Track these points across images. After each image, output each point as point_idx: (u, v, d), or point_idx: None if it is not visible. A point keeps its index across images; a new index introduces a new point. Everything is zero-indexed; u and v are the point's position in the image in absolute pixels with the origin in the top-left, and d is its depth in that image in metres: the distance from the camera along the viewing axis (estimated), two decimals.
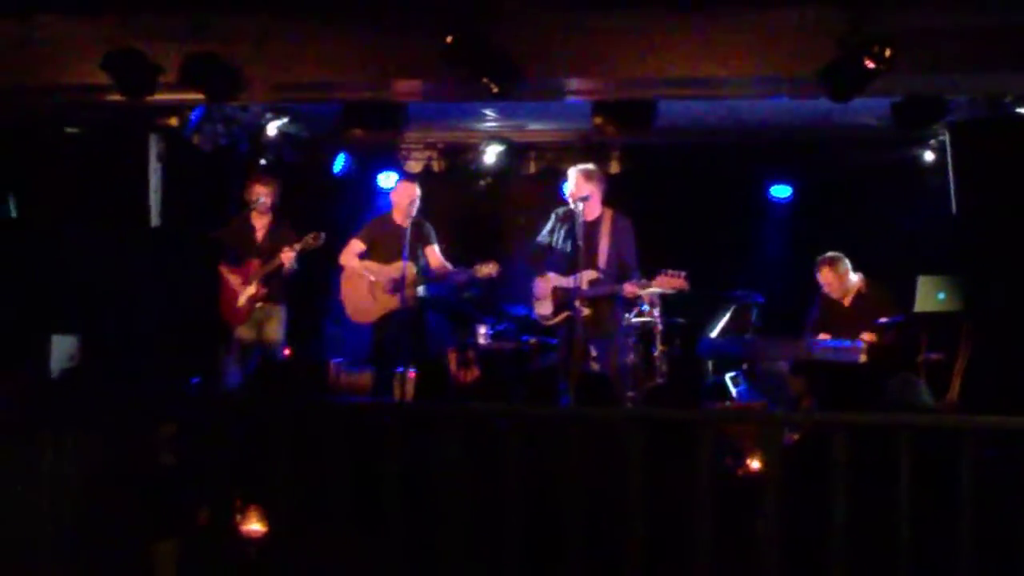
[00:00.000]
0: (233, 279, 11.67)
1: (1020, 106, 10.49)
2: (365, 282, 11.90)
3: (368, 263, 11.89)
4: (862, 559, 4.94)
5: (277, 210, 11.84)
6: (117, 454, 5.12)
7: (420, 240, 11.81)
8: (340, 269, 12.15)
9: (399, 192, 12.04)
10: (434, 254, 11.85)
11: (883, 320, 11.21)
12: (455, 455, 5.30)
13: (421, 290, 11.75)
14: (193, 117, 11.76)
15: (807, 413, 9.28)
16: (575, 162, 11.87)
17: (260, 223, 11.81)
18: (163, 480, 5.47)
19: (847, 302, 11.77)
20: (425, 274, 11.72)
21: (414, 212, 11.75)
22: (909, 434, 4.92)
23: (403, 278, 11.40)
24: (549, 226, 11.39)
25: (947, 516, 4.95)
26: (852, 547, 4.92)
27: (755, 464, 6.26)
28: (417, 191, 11.85)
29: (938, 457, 5.08)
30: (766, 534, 4.95)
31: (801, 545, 5.16)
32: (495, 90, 9.46)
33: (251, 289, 11.58)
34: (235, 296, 11.63)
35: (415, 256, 11.70)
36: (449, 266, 11.83)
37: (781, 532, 5.01)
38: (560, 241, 11.22)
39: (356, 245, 12.01)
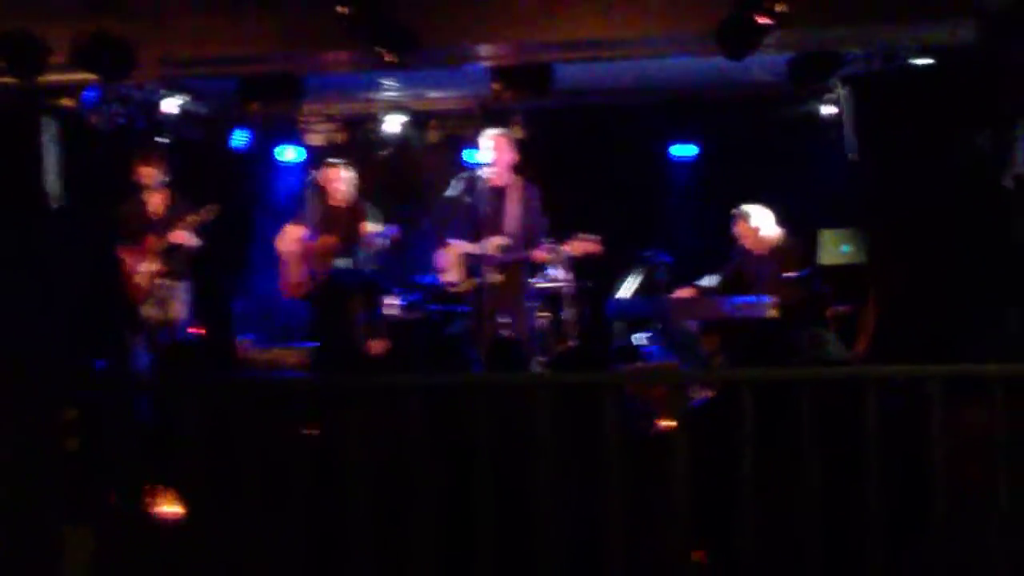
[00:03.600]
0: (132, 258, 11.60)
1: (914, 58, 10.54)
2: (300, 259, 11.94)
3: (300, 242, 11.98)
4: (770, 514, 4.96)
5: (171, 186, 11.76)
6: (20, 440, 5.05)
7: (354, 218, 12.00)
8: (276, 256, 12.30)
9: (327, 178, 12.16)
10: (366, 227, 11.88)
11: (789, 274, 11.26)
12: (362, 428, 5.26)
13: (340, 263, 11.79)
14: (89, 97, 11.63)
15: (710, 371, 9.34)
16: (478, 129, 11.86)
17: (155, 200, 11.77)
18: (69, 466, 5.40)
19: (761, 254, 11.77)
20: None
21: (348, 194, 12.17)
22: (812, 387, 4.95)
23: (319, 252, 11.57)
24: (452, 191, 11.36)
25: (854, 468, 4.97)
26: (760, 503, 4.94)
27: (666, 424, 6.27)
28: (345, 173, 12.18)
29: (845, 409, 5.10)
30: (676, 494, 4.95)
31: (713, 503, 5.18)
32: (391, 59, 9.42)
33: (150, 265, 11.51)
34: (135, 274, 11.56)
35: (347, 232, 11.81)
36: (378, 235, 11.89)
37: (692, 491, 5.01)
38: (465, 207, 11.20)
39: (293, 231, 12.00)
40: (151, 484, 5.78)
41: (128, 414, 5.45)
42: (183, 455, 5.41)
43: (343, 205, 12.03)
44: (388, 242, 11.90)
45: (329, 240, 11.80)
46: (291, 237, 12.04)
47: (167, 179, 11.76)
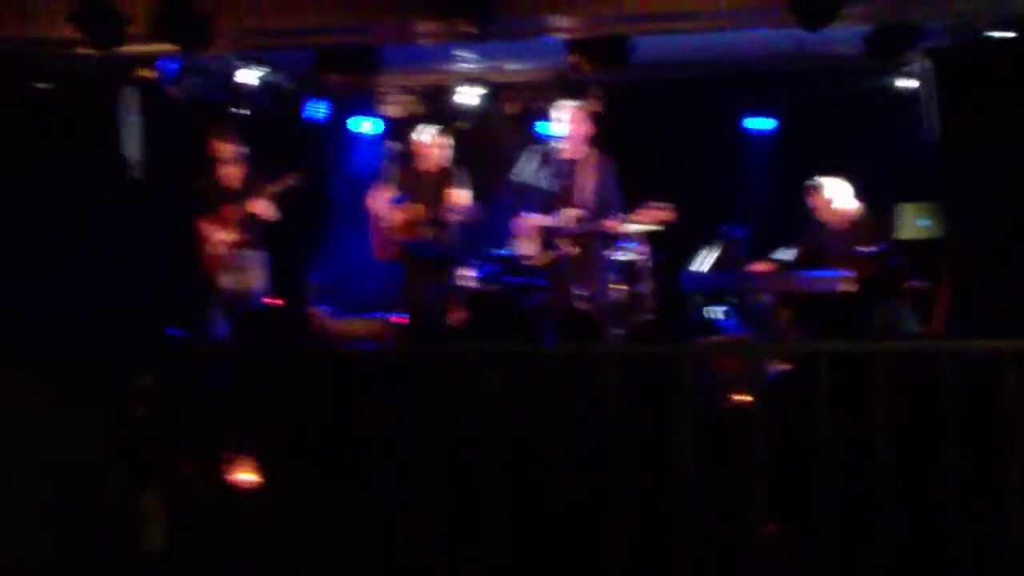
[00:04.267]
0: (211, 228, 11.68)
1: (994, 30, 10.43)
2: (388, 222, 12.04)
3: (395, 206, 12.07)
4: (845, 487, 4.94)
5: (248, 158, 11.84)
6: (94, 407, 5.10)
7: (443, 183, 12.06)
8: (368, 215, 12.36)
9: (421, 146, 12.21)
10: (455, 195, 11.95)
11: (866, 249, 11.17)
12: (439, 398, 5.28)
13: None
14: (169, 68, 11.71)
15: (786, 343, 9.30)
16: (554, 102, 11.85)
17: (233, 172, 11.84)
18: (140, 433, 5.45)
19: (839, 228, 11.69)
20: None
21: (442, 160, 12.21)
22: (887, 360, 4.92)
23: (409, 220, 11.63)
24: (529, 164, 11.37)
25: (930, 442, 4.95)
26: (837, 474, 4.92)
27: (742, 397, 6.26)
28: (440, 140, 12.27)
29: (923, 384, 5.08)
30: (751, 467, 4.94)
31: (789, 474, 5.16)
32: (468, 30, 9.42)
33: (228, 236, 11.59)
34: (214, 244, 11.64)
35: (436, 199, 11.92)
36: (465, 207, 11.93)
37: (768, 462, 5.00)
38: (543, 180, 11.21)
39: (385, 190, 12.08)
40: (227, 451, 5.83)
41: (202, 382, 5.49)
42: (259, 422, 5.45)
43: (433, 171, 12.06)
44: (468, 218, 11.93)
45: (416, 209, 11.85)
46: (382, 195, 12.07)
47: (243, 152, 11.82)
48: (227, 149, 11.77)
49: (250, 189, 11.67)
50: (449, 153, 12.20)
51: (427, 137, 12.17)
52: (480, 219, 11.92)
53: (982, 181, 10.42)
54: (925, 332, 9.57)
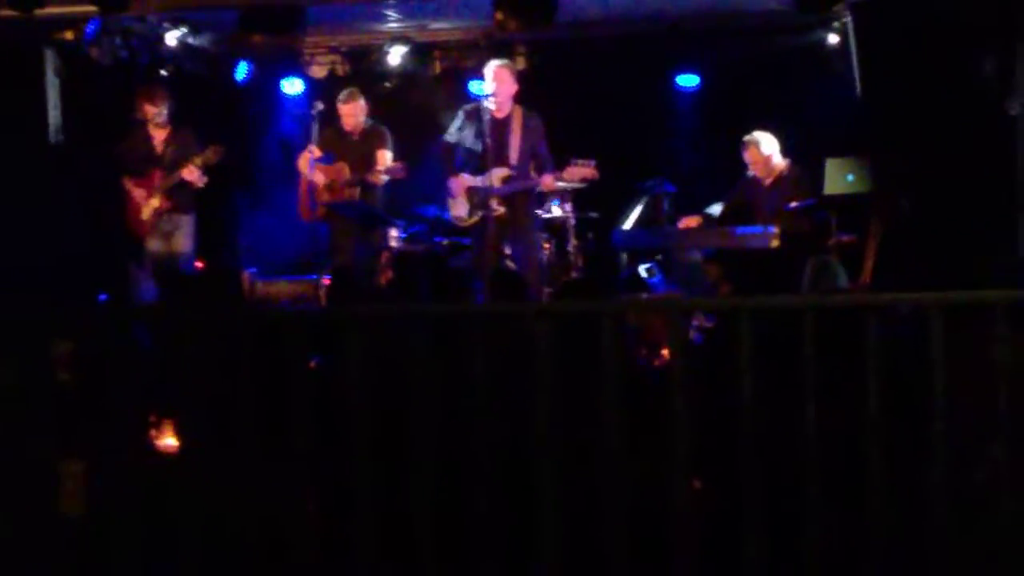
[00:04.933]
0: (137, 192, 11.60)
1: None
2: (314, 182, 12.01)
3: (320, 166, 11.98)
4: (769, 443, 4.95)
5: (175, 120, 11.72)
6: (12, 374, 5.04)
7: (370, 143, 12.02)
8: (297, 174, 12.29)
9: (347, 114, 12.09)
10: (381, 156, 11.83)
11: (793, 204, 11.21)
12: (361, 360, 5.25)
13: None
14: (89, 30, 11.58)
15: (710, 298, 9.33)
16: (481, 61, 11.85)
17: (159, 135, 11.73)
18: (62, 399, 5.39)
19: (768, 183, 11.71)
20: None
21: (362, 121, 12.11)
22: (813, 315, 4.92)
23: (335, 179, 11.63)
24: (457, 124, 11.38)
25: (856, 397, 4.96)
26: (760, 431, 4.93)
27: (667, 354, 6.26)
28: (358, 102, 12.13)
29: (848, 338, 5.08)
30: (674, 422, 4.94)
31: (712, 431, 5.17)
32: None
33: (155, 202, 11.52)
34: (140, 209, 11.54)
35: (362, 159, 11.87)
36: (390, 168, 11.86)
37: (692, 419, 5.00)
38: (470, 140, 11.20)
39: (312, 151, 11.99)
40: (151, 417, 5.79)
41: (129, 346, 5.43)
42: (184, 387, 5.39)
43: (357, 131, 12.00)
44: (393, 178, 11.87)
45: (340, 169, 11.80)
46: (308, 156, 11.99)
47: (170, 114, 11.70)
48: (154, 111, 11.64)
49: (179, 155, 11.54)
50: (364, 114, 12.09)
51: (346, 98, 12.08)
52: (404, 178, 11.85)
53: (904, 135, 10.48)
54: (854, 287, 9.62)
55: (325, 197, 11.92)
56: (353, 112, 12.04)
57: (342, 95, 12.15)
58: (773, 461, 4.96)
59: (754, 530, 4.91)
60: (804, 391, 4.90)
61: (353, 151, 11.94)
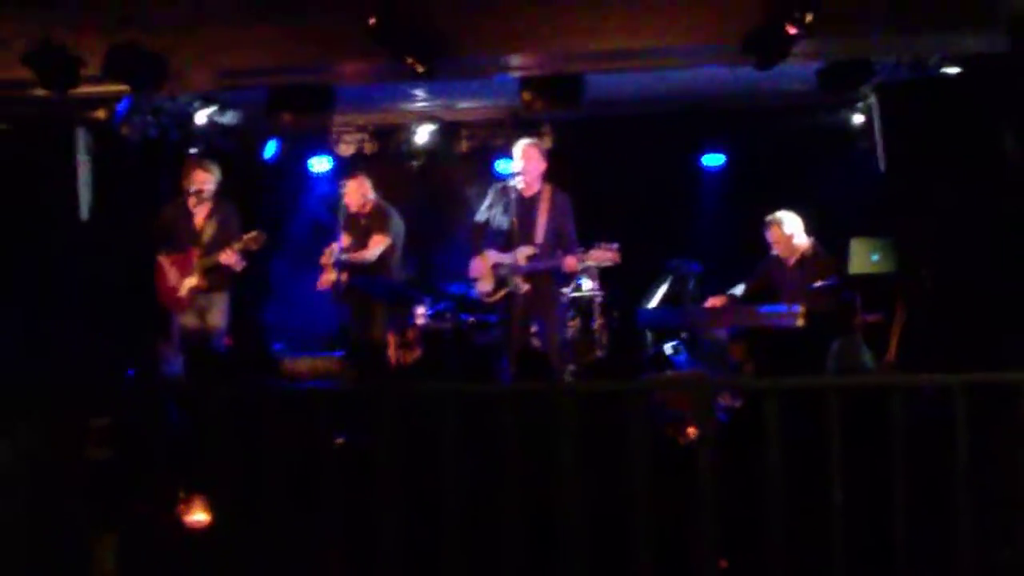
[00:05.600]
0: (174, 269, 11.59)
1: (944, 66, 10.54)
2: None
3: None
4: (796, 521, 4.97)
5: (218, 198, 11.76)
6: (50, 448, 5.09)
7: (371, 225, 11.99)
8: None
9: (348, 193, 12.06)
10: (373, 241, 11.88)
11: (818, 284, 11.24)
12: (392, 436, 5.29)
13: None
14: (120, 109, 11.67)
15: (736, 378, 9.34)
16: (507, 139, 11.91)
17: (200, 210, 11.67)
18: (98, 473, 5.44)
19: (792, 263, 11.74)
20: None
21: (368, 200, 12.03)
22: (838, 395, 4.95)
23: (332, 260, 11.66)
24: (487, 202, 11.42)
25: (883, 476, 4.98)
26: (788, 508, 4.94)
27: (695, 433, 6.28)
28: (356, 184, 12.02)
29: (873, 418, 5.11)
30: (702, 499, 4.97)
31: (740, 509, 5.19)
32: (420, 69, 9.47)
33: (193, 280, 11.50)
34: (176, 286, 11.55)
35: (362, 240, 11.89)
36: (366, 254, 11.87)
37: (719, 497, 5.02)
38: (498, 217, 11.24)
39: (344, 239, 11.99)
40: (182, 492, 5.82)
41: (159, 422, 5.48)
42: (213, 463, 5.43)
43: (360, 213, 12.03)
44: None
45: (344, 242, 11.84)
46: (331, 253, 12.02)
47: (216, 190, 11.71)
48: (205, 179, 11.58)
49: (220, 235, 11.53)
50: (366, 195, 12.10)
51: (347, 177, 12.12)
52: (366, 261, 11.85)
53: (928, 214, 10.51)
54: (879, 366, 9.63)
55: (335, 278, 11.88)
56: (354, 190, 12.00)
57: (348, 176, 12.18)
58: (799, 540, 4.97)
59: None
60: (830, 471, 4.92)
61: (356, 231, 11.97)
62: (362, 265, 11.80)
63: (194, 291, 11.49)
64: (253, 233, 11.36)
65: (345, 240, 11.75)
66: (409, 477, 5.33)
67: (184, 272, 11.52)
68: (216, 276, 11.52)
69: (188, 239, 11.59)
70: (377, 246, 11.82)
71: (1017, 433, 4.95)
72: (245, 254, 11.41)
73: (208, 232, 11.60)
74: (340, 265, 11.59)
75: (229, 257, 11.33)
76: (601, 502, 5.19)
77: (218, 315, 11.62)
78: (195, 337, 11.49)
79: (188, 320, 11.57)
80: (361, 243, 11.87)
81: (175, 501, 5.70)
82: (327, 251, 11.88)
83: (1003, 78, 10.24)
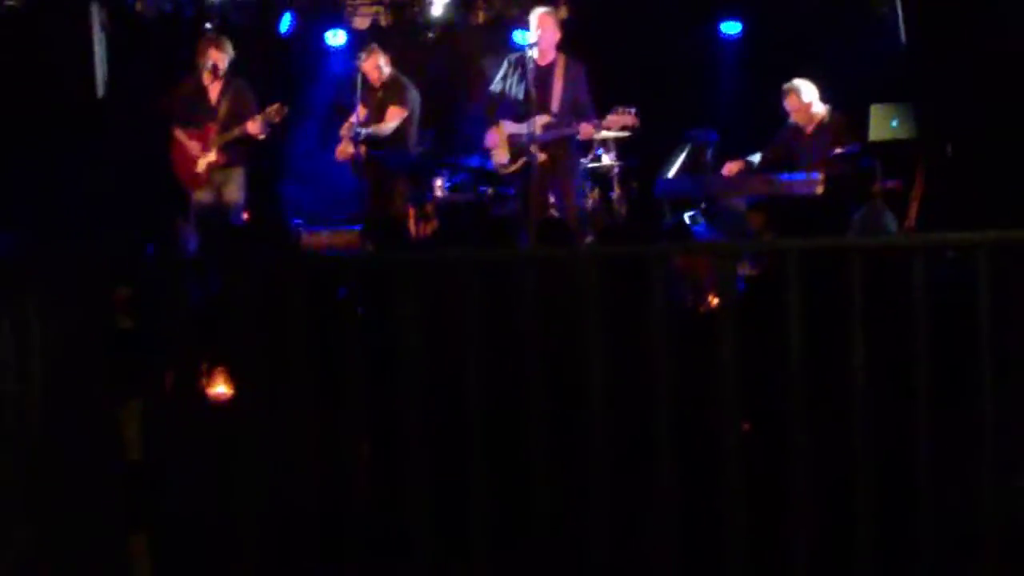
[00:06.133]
0: (191, 144, 11.59)
1: None
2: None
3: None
4: (818, 385, 4.98)
5: (232, 74, 11.74)
6: (74, 318, 5.10)
7: (388, 98, 12.01)
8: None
9: (364, 64, 12.04)
10: (390, 113, 11.85)
11: (838, 150, 11.19)
12: (412, 306, 5.29)
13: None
14: None
15: (757, 242, 9.33)
16: (523, 10, 11.85)
17: (214, 87, 11.70)
18: (122, 343, 5.46)
19: (810, 130, 11.70)
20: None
21: (385, 74, 12.08)
22: (860, 256, 4.94)
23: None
24: (502, 73, 11.39)
25: (904, 339, 4.98)
26: (809, 372, 4.95)
27: (715, 300, 6.29)
28: (379, 56, 12.06)
29: (895, 281, 5.10)
30: (723, 367, 4.97)
31: (761, 377, 5.20)
32: None
33: (211, 156, 11.51)
34: (194, 162, 11.56)
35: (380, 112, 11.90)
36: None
37: (739, 365, 5.03)
38: (513, 87, 11.22)
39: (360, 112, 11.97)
40: (205, 363, 5.85)
41: (180, 295, 5.49)
42: (235, 335, 5.45)
43: (379, 85, 12.02)
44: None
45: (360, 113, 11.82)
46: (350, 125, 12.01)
47: (230, 67, 11.70)
48: (219, 57, 11.59)
49: (235, 109, 11.55)
50: (385, 69, 12.08)
51: (365, 55, 12.10)
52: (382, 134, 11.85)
53: (949, 80, 10.44)
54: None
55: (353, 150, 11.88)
56: (372, 67, 12.03)
57: (362, 52, 12.15)
58: (821, 404, 4.99)
59: (802, 472, 4.95)
60: (851, 334, 4.92)
61: (374, 104, 11.96)
62: (380, 138, 11.79)
63: (212, 166, 11.51)
64: (276, 105, 11.37)
65: (362, 112, 11.73)
66: (430, 348, 5.33)
67: (203, 147, 11.52)
68: (234, 151, 11.54)
69: (204, 115, 11.59)
70: (394, 118, 11.83)
71: None
72: (267, 126, 11.42)
73: (224, 108, 11.61)
74: (358, 138, 11.58)
75: (255, 126, 11.33)
76: (624, 370, 5.20)
77: (235, 190, 11.65)
78: (212, 212, 11.52)
79: (204, 196, 11.61)
80: (378, 115, 11.87)
81: (197, 373, 5.72)
82: (346, 123, 11.88)
83: None
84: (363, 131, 11.66)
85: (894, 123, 11.05)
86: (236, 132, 11.42)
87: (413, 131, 12.09)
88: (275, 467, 5.34)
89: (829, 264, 5.24)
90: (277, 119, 11.43)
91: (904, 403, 4.96)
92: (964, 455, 5.04)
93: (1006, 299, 5.01)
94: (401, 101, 11.93)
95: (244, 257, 6.47)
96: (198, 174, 11.57)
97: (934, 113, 10.67)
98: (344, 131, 11.91)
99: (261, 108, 11.44)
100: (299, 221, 12.90)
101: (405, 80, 12.10)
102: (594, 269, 5.13)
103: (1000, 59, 10.20)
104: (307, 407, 5.29)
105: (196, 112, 11.64)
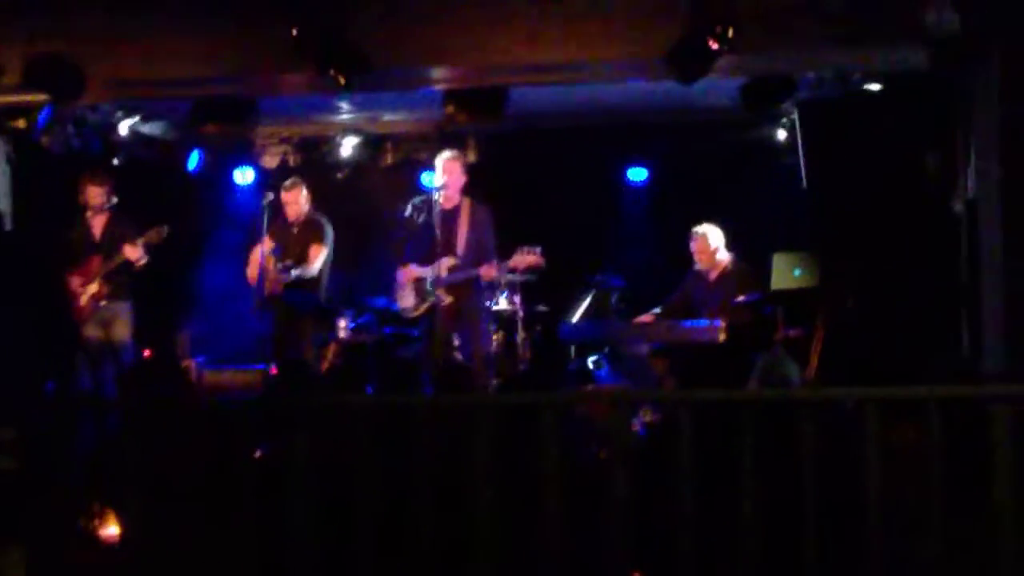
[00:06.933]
0: (75, 280, 11.59)
1: (867, 83, 10.61)
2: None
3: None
4: (711, 533, 4.98)
5: (115, 207, 11.78)
6: None
7: (308, 236, 12.08)
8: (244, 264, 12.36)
9: (284, 198, 12.15)
10: (313, 251, 11.88)
11: (740, 298, 11.27)
12: (306, 449, 5.27)
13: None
14: (42, 118, 11.58)
15: (652, 391, 9.36)
16: (433, 152, 11.92)
17: (98, 221, 11.82)
18: (4, 486, 5.38)
19: (713, 277, 11.78)
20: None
21: (303, 211, 12.14)
22: (751, 410, 4.96)
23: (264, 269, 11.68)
24: (408, 214, 11.41)
25: (796, 490, 5.00)
26: (701, 522, 4.96)
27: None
28: (298, 193, 12.15)
29: (789, 433, 5.13)
30: (615, 513, 4.97)
31: (653, 521, 5.19)
32: (342, 82, 9.44)
33: (93, 287, 11.52)
34: (78, 296, 11.54)
35: (300, 251, 11.91)
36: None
37: (633, 510, 5.02)
38: (419, 230, 11.24)
39: (267, 242, 11.98)
40: (96, 505, 5.77)
41: (69, 434, 5.43)
42: (128, 477, 5.39)
43: (299, 223, 12.05)
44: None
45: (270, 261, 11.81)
46: (255, 259, 12.01)
47: (114, 200, 11.76)
48: (97, 193, 11.68)
49: (118, 239, 11.58)
50: (305, 205, 12.14)
51: (289, 186, 12.16)
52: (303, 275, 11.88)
53: (850, 230, 10.57)
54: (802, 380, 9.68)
55: (270, 288, 11.87)
56: (294, 200, 12.08)
57: (286, 183, 12.22)
58: (711, 554, 4.99)
59: None
60: (743, 484, 4.93)
61: (292, 242, 11.98)
62: (304, 279, 11.82)
63: (95, 298, 11.50)
64: (155, 228, 11.39)
65: (269, 245, 11.75)
66: (325, 490, 5.30)
67: (86, 280, 11.51)
68: (117, 282, 11.58)
69: (89, 250, 11.59)
70: (318, 258, 11.87)
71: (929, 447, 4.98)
72: (148, 249, 11.42)
73: (107, 239, 11.62)
74: (287, 274, 11.61)
75: (133, 252, 11.35)
76: (516, 516, 5.18)
77: (122, 327, 11.66)
78: (99, 349, 11.48)
79: (92, 332, 11.58)
80: (296, 252, 11.87)
81: (86, 514, 5.64)
82: (256, 249, 11.88)
83: (923, 96, 10.33)
84: (293, 272, 11.70)
85: (796, 272, 11.16)
86: (116, 260, 11.41)
87: (326, 271, 12.11)
88: None
89: (723, 414, 5.26)
90: (157, 240, 11.44)
91: (793, 554, 4.97)
92: None
93: (897, 452, 5.05)
94: (321, 240, 11.99)
95: (136, 397, 6.43)
96: (82, 308, 11.54)
97: (835, 263, 10.78)
98: (258, 258, 11.87)
99: (140, 233, 11.45)
100: (202, 359, 12.81)
101: (323, 218, 12.15)
102: (490, 416, 5.13)
103: (901, 210, 10.36)
104: (199, 549, 5.23)
105: (83, 249, 11.63)
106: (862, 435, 5.03)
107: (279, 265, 11.76)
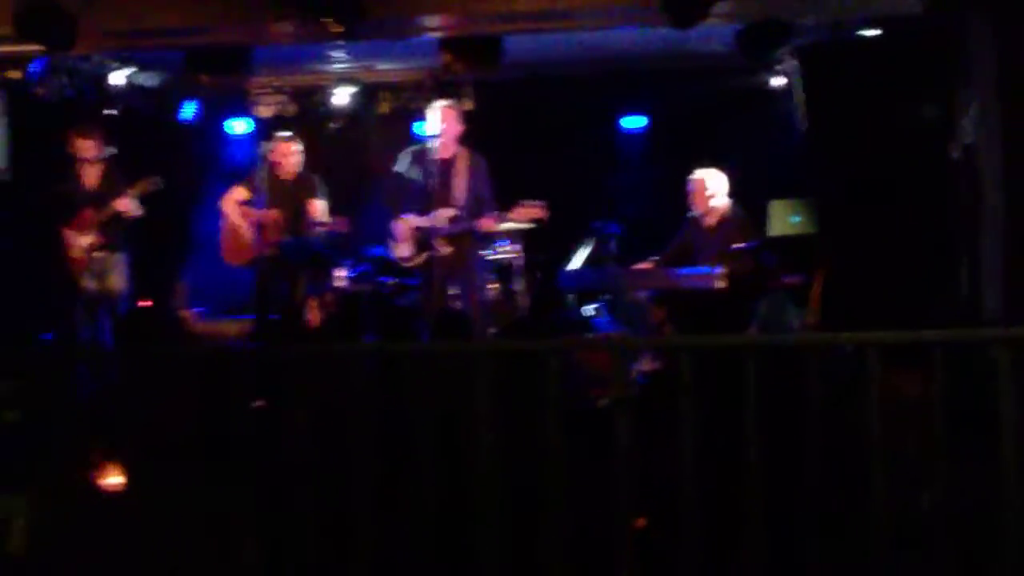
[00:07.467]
0: (69, 231, 11.54)
1: (863, 29, 10.57)
2: (239, 226, 11.92)
3: (244, 208, 11.87)
4: (712, 480, 4.98)
5: (109, 159, 11.72)
6: None
7: (302, 192, 11.93)
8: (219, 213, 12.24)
9: (277, 152, 12.02)
10: (314, 207, 11.82)
11: (738, 246, 11.24)
12: (308, 398, 5.26)
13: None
14: (35, 69, 11.55)
15: (652, 338, 9.35)
16: (428, 101, 11.85)
17: (90, 173, 11.74)
18: (7, 437, 5.38)
19: (711, 224, 11.72)
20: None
21: (297, 167, 12.05)
22: (754, 354, 4.95)
23: (265, 224, 11.56)
24: (403, 165, 11.35)
25: (797, 436, 4.99)
26: (702, 469, 4.95)
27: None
28: (294, 147, 12.05)
29: (791, 378, 5.12)
30: (619, 460, 4.96)
31: (656, 470, 5.19)
32: (336, 30, 9.39)
33: (88, 238, 11.47)
34: (73, 248, 11.51)
35: (294, 207, 11.79)
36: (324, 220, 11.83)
37: (634, 459, 5.02)
38: (414, 179, 11.19)
39: (239, 192, 11.94)
40: (96, 456, 5.77)
41: (72, 385, 5.42)
42: (127, 426, 5.39)
43: (291, 179, 11.99)
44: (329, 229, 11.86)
45: (274, 214, 11.72)
46: (235, 197, 11.97)
47: (106, 152, 11.70)
48: (88, 147, 11.62)
49: (111, 190, 11.53)
50: (301, 160, 12.08)
51: (279, 143, 12.08)
52: (341, 231, 11.83)
53: (848, 177, 10.55)
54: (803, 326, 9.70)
55: (265, 238, 11.79)
56: (287, 152, 11.99)
57: (281, 134, 12.14)
58: (714, 498, 4.99)
59: (696, 567, 4.93)
60: (745, 430, 4.92)
61: (286, 198, 11.88)
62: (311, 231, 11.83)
63: (90, 249, 11.46)
64: (147, 178, 11.36)
65: (244, 194, 11.74)
66: (325, 441, 5.30)
67: (80, 231, 11.47)
68: (113, 232, 11.53)
69: (82, 201, 11.54)
70: (325, 211, 11.83)
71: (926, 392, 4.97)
72: (142, 200, 11.39)
73: (100, 190, 11.57)
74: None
75: (125, 204, 11.31)
76: (518, 464, 5.17)
77: (117, 278, 11.62)
78: (96, 300, 11.47)
79: (88, 283, 11.54)
80: (293, 208, 11.81)
81: (88, 464, 5.64)
82: (227, 197, 11.88)
83: (920, 41, 10.30)
84: (320, 230, 11.69)
85: (794, 218, 11.15)
86: (109, 211, 11.36)
87: None
88: (163, 558, 5.28)
89: (723, 360, 5.25)
90: (149, 190, 11.40)
91: (797, 498, 4.97)
92: (853, 546, 5.05)
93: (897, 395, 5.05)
94: (316, 194, 11.93)
95: (133, 346, 6.42)
96: (77, 259, 11.51)
97: (833, 209, 10.77)
98: (249, 212, 11.84)
99: (132, 185, 11.41)
100: (202, 309, 12.79)
101: (313, 174, 12.10)
102: (490, 363, 5.12)
103: (898, 155, 10.35)
104: (199, 499, 5.23)
105: (75, 200, 11.58)
106: (864, 380, 5.00)
107: (313, 222, 11.73)
